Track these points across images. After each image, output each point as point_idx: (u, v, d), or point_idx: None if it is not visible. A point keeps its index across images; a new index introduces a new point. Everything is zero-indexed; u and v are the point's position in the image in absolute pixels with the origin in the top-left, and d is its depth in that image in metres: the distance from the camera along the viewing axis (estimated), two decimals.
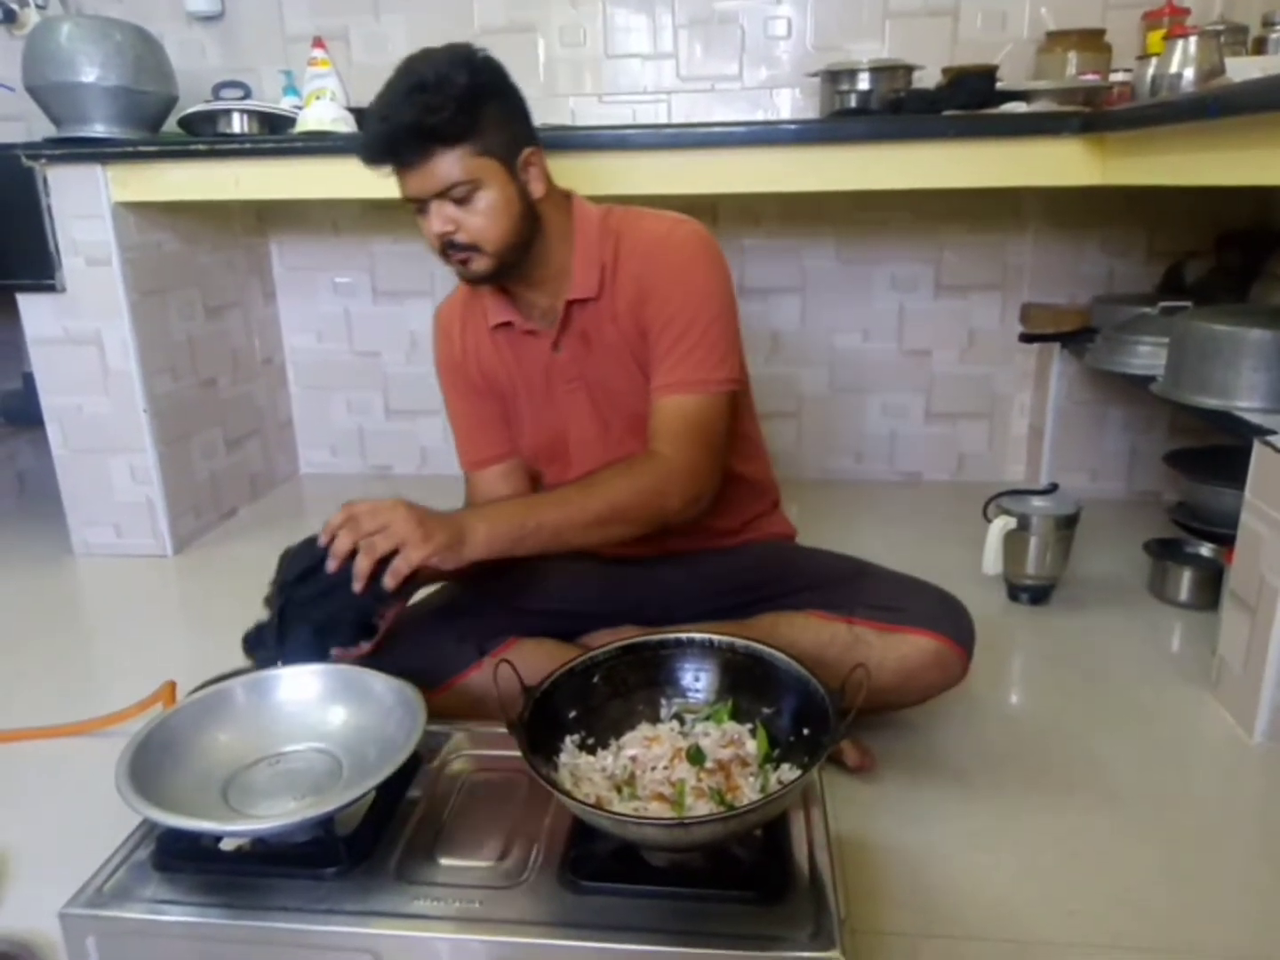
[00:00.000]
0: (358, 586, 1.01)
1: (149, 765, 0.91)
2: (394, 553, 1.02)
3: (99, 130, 1.91)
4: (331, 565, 1.02)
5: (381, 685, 1.01)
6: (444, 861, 0.90)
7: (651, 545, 1.35)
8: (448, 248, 1.17)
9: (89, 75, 1.86)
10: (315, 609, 1.04)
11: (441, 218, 1.15)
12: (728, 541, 1.38)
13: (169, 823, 0.85)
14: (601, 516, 1.14)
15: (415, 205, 1.17)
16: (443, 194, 1.13)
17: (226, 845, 0.96)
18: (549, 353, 1.29)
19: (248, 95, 2.16)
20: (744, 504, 1.40)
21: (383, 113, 1.11)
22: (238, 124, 2.02)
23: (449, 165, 1.12)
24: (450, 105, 1.09)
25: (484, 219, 1.15)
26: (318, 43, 2.02)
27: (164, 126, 2.06)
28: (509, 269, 1.21)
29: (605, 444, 1.31)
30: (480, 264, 1.18)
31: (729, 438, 1.24)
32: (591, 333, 1.27)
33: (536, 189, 1.20)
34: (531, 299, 1.28)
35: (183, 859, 0.89)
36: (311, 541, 1.07)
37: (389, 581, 1.02)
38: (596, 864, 0.87)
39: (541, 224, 1.22)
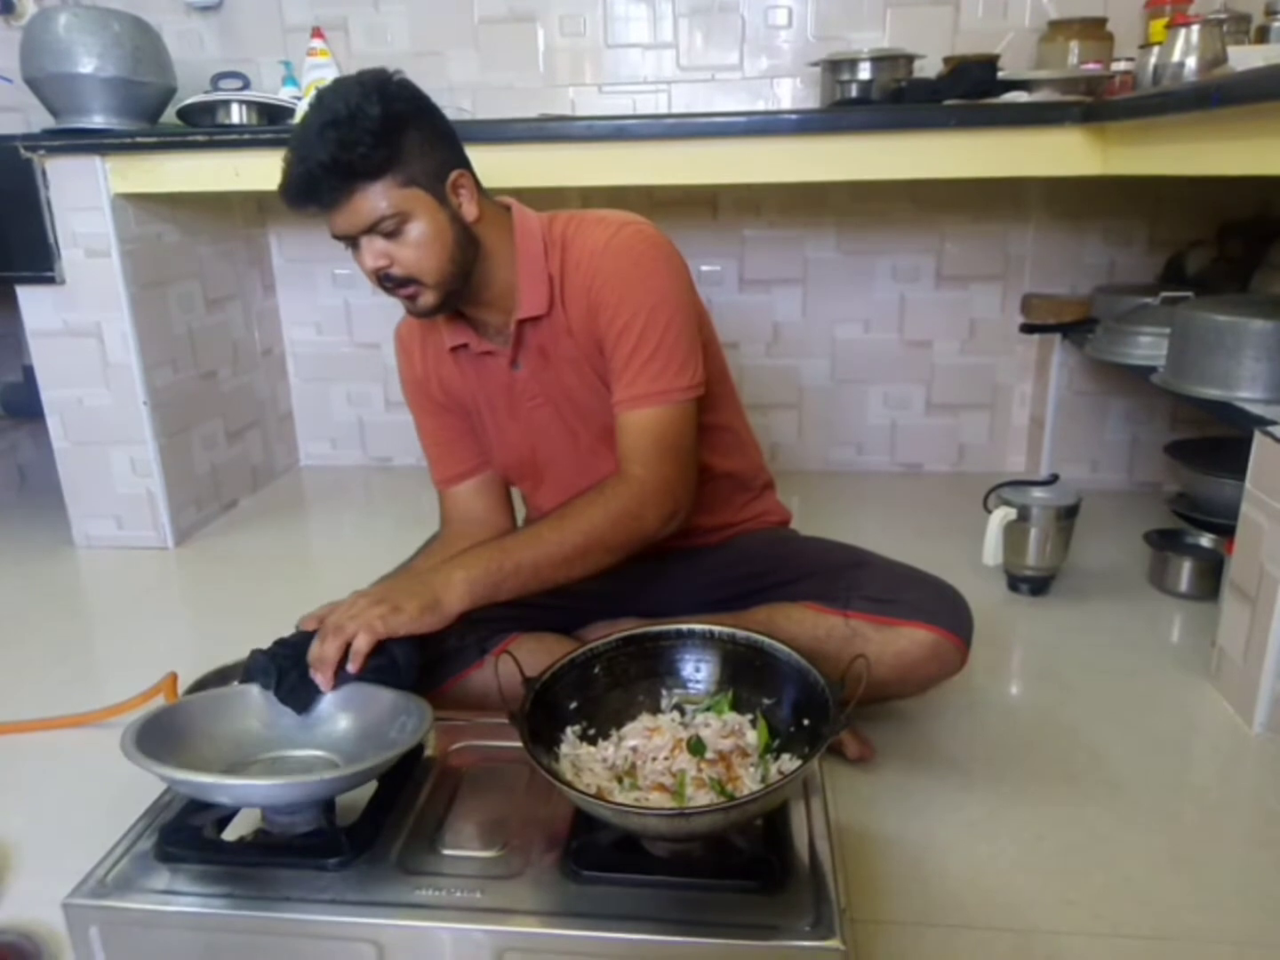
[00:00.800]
0: (324, 682, 1.01)
1: (154, 741, 0.91)
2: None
3: (97, 121, 1.91)
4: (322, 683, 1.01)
5: (389, 695, 1.01)
6: (446, 852, 0.90)
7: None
8: (384, 282, 1.13)
9: (87, 66, 1.85)
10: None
11: (373, 253, 1.11)
12: (721, 536, 1.38)
13: (172, 776, 0.86)
14: (579, 548, 1.12)
15: (346, 242, 1.13)
16: (370, 229, 1.09)
17: (229, 835, 0.97)
18: (508, 371, 1.26)
19: (247, 86, 2.15)
20: (732, 499, 1.39)
21: (299, 153, 1.06)
22: (237, 115, 2.02)
23: (373, 200, 1.07)
24: (366, 139, 1.04)
25: (417, 250, 1.11)
26: (317, 33, 2.02)
27: (163, 118, 2.05)
28: (454, 297, 1.18)
29: (576, 455, 1.29)
30: (426, 297, 1.15)
31: (698, 443, 1.21)
32: (549, 347, 1.24)
33: (469, 212, 1.15)
34: (484, 319, 1.25)
35: (185, 850, 0.90)
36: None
37: (350, 666, 1.00)
38: (597, 854, 0.87)
39: (480, 246, 1.17)
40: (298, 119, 1.12)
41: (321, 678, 1.00)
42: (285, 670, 1.02)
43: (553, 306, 1.21)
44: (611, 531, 1.14)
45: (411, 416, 1.39)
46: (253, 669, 1.04)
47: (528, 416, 1.28)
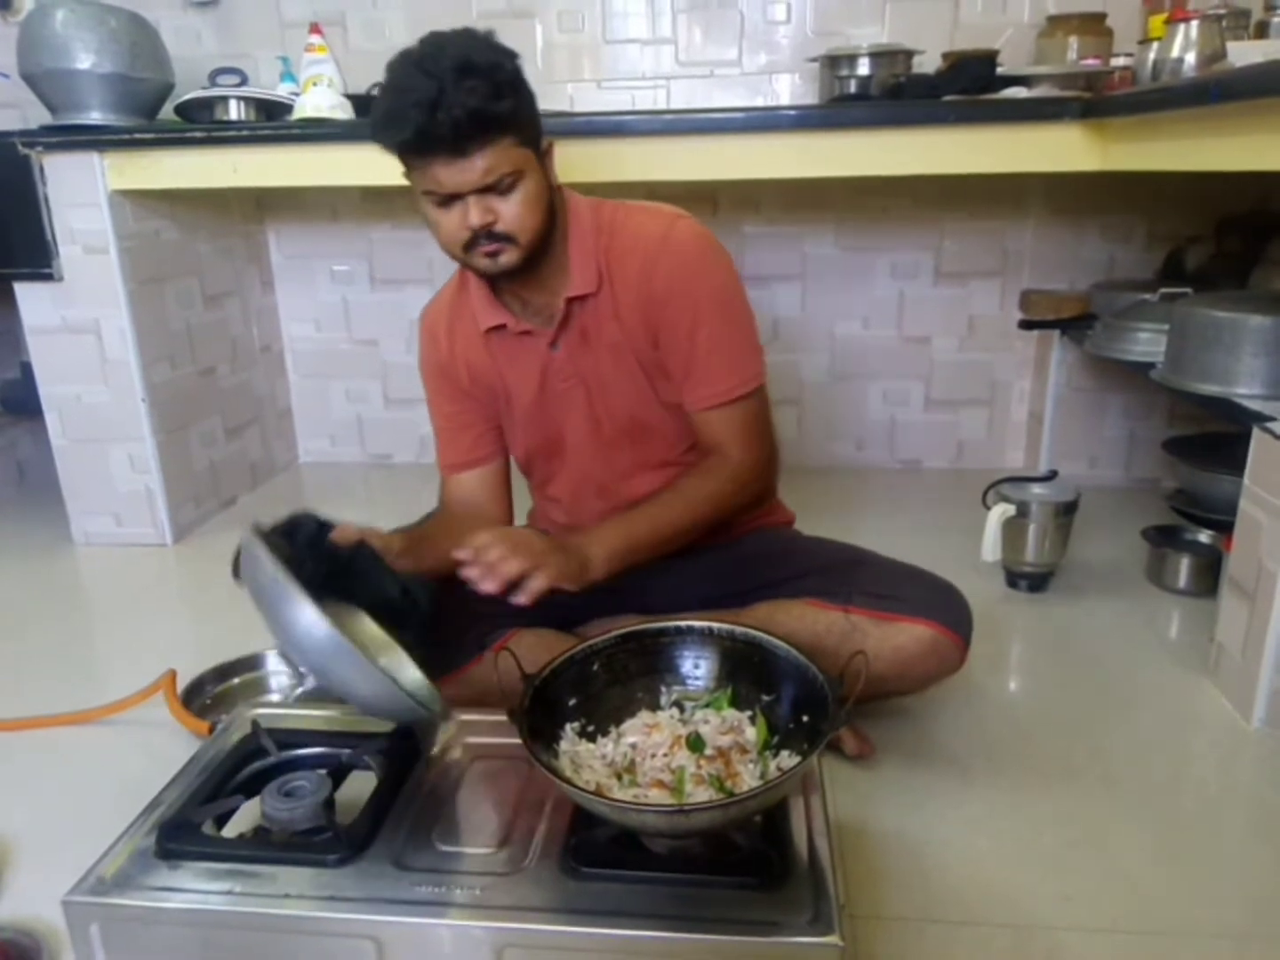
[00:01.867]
0: (490, 586, 1.04)
1: None
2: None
3: (95, 118, 1.90)
4: (489, 586, 1.04)
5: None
6: (445, 849, 0.90)
7: None
8: (481, 239, 1.12)
9: (84, 62, 1.85)
10: (356, 587, 1.06)
11: (482, 209, 1.09)
12: (726, 535, 1.38)
13: None
14: (698, 518, 1.23)
15: (437, 198, 1.10)
16: (486, 185, 1.08)
17: (229, 832, 0.97)
18: (545, 351, 1.27)
19: (244, 82, 2.15)
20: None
21: (430, 99, 1.02)
22: (235, 111, 2.01)
23: (499, 155, 1.07)
24: (507, 92, 1.05)
25: (522, 209, 1.11)
26: (315, 28, 2.01)
27: (160, 114, 2.05)
28: (532, 261, 1.17)
29: (597, 446, 1.31)
30: (510, 256, 1.14)
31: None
32: (591, 330, 1.25)
33: (555, 178, 1.17)
34: (527, 297, 1.25)
35: (185, 847, 0.90)
36: (323, 525, 1.07)
37: (524, 599, 1.05)
38: (597, 850, 0.87)
39: (555, 216, 1.19)
40: (393, 62, 1.09)
41: (491, 583, 1.03)
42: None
43: (600, 287, 1.23)
44: (720, 503, 1.25)
45: (427, 402, 1.39)
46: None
47: (558, 399, 1.29)
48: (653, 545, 1.19)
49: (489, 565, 1.04)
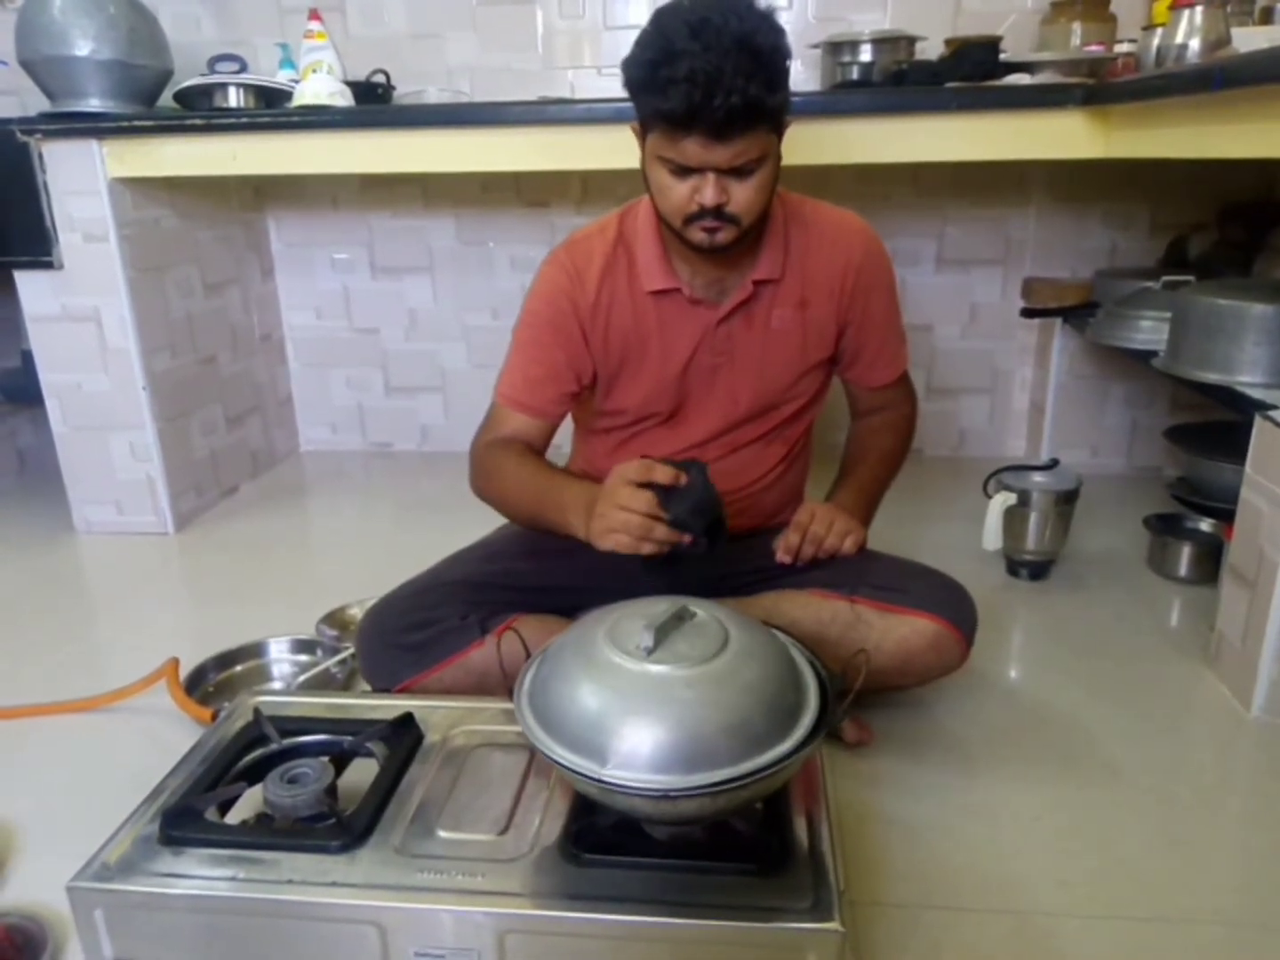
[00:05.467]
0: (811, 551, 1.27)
1: None
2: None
3: (94, 105, 1.89)
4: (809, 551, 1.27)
5: None
6: (447, 835, 0.91)
7: None
8: (707, 216, 1.10)
9: (83, 49, 1.84)
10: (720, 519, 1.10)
11: (719, 188, 1.08)
12: (760, 524, 1.38)
13: None
14: (897, 472, 1.44)
15: (675, 166, 1.08)
16: (733, 168, 1.07)
17: (232, 818, 0.97)
18: (709, 325, 1.27)
19: (244, 69, 2.13)
20: (794, 485, 1.45)
21: (707, 77, 0.98)
22: (234, 98, 2.00)
23: (754, 142, 1.05)
24: (782, 83, 1.04)
25: (756, 193, 1.11)
26: (314, 15, 2.00)
27: (159, 101, 2.04)
28: (742, 242, 1.17)
29: (724, 417, 1.33)
30: (728, 234, 1.13)
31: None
32: (758, 313, 1.27)
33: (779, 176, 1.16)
34: (701, 267, 1.23)
35: (189, 833, 0.90)
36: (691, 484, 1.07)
37: (849, 546, 1.27)
38: (598, 837, 0.88)
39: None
40: (663, 12, 1.05)
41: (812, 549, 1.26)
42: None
43: (784, 274, 1.26)
44: (904, 453, 1.46)
45: (527, 333, 1.31)
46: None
47: (702, 371, 1.30)
48: (876, 501, 1.40)
49: (816, 538, 1.25)
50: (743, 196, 1.10)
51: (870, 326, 1.33)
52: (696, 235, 1.14)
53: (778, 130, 1.11)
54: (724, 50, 0.98)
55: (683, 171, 1.09)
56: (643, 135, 1.14)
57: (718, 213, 1.10)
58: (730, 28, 1.00)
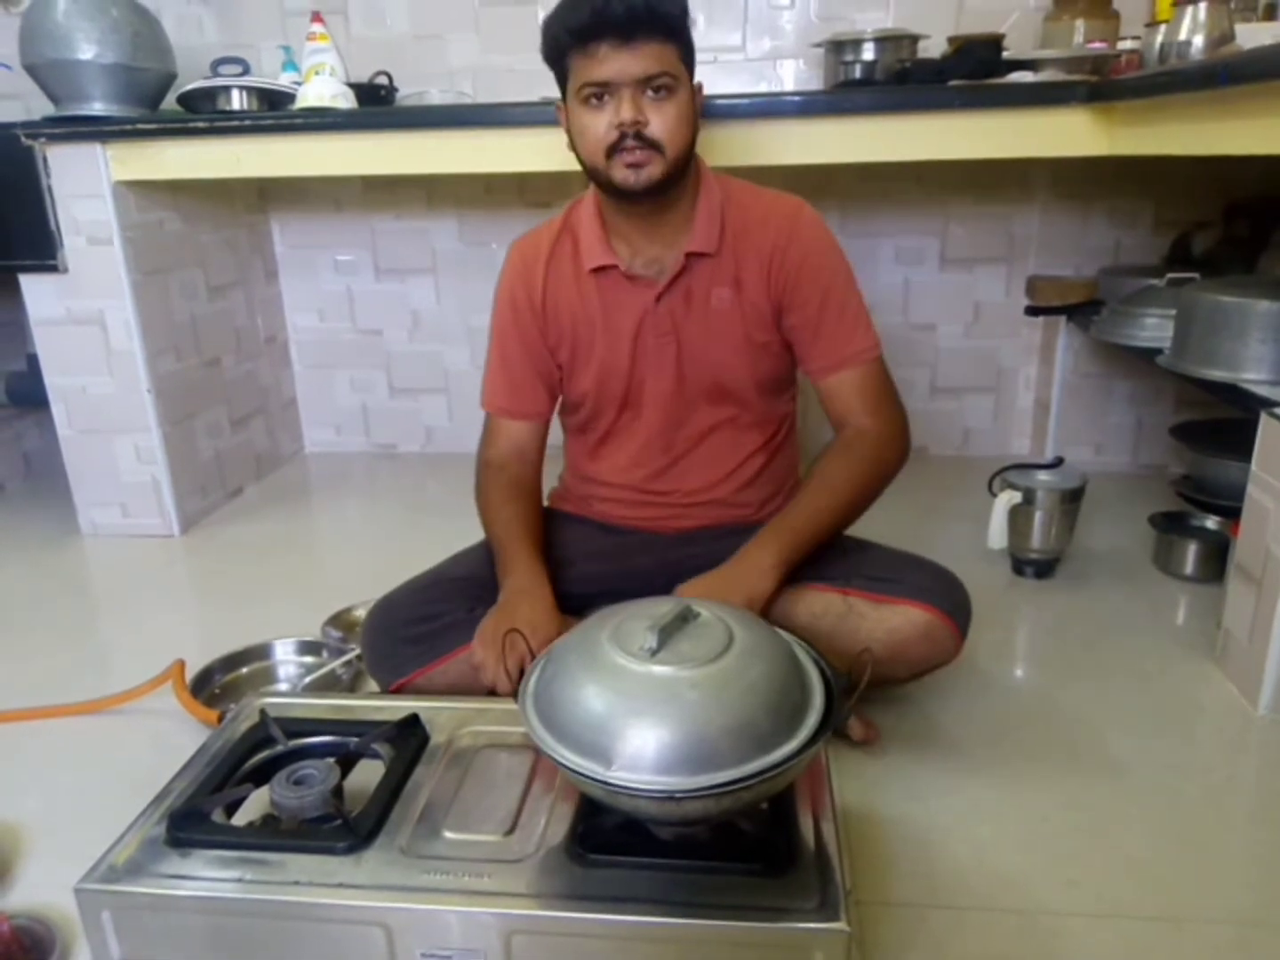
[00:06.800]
0: None
1: None
2: None
3: (97, 108, 1.90)
4: None
5: None
6: (453, 836, 0.91)
7: (672, 523, 1.38)
8: (629, 139, 1.15)
9: (86, 53, 1.84)
10: None
11: (636, 106, 1.13)
12: (750, 516, 1.38)
13: None
14: (849, 504, 1.26)
15: (592, 91, 1.15)
16: (645, 81, 1.13)
17: (238, 820, 0.97)
18: (649, 303, 1.28)
19: (246, 71, 2.14)
20: (777, 477, 1.43)
21: None
22: (237, 101, 2.01)
23: (663, 54, 1.13)
24: (683, 3, 1.15)
25: (673, 119, 1.15)
26: (316, 17, 2.00)
27: (163, 104, 2.04)
28: (670, 183, 1.20)
29: (676, 402, 1.34)
30: (655, 168, 1.16)
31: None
32: (697, 291, 1.28)
33: (698, 122, 1.22)
34: (642, 244, 1.28)
35: (195, 835, 0.90)
36: None
37: None
38: (604, 837, 0.88)
39: (692, 153, 1.23)
40: None
41: None
42: None
43: (720, 251, 1.27)
44: (867, 481, 1.27)
45: (497, 339, 1.38)
46: None
47: (649, 351, 1.31)
48: (815, 541, 1.23)
49: None
50: (660, 120, 1.15)
51: (805, 308, 1.29)
52: (621, 173, 1.17)
53: (686, 58, 1.18)
54: None
55: (600, 98, 1.15)
56: (564, 100, 1.21)
57: (639, 136, 1.14)
58: None
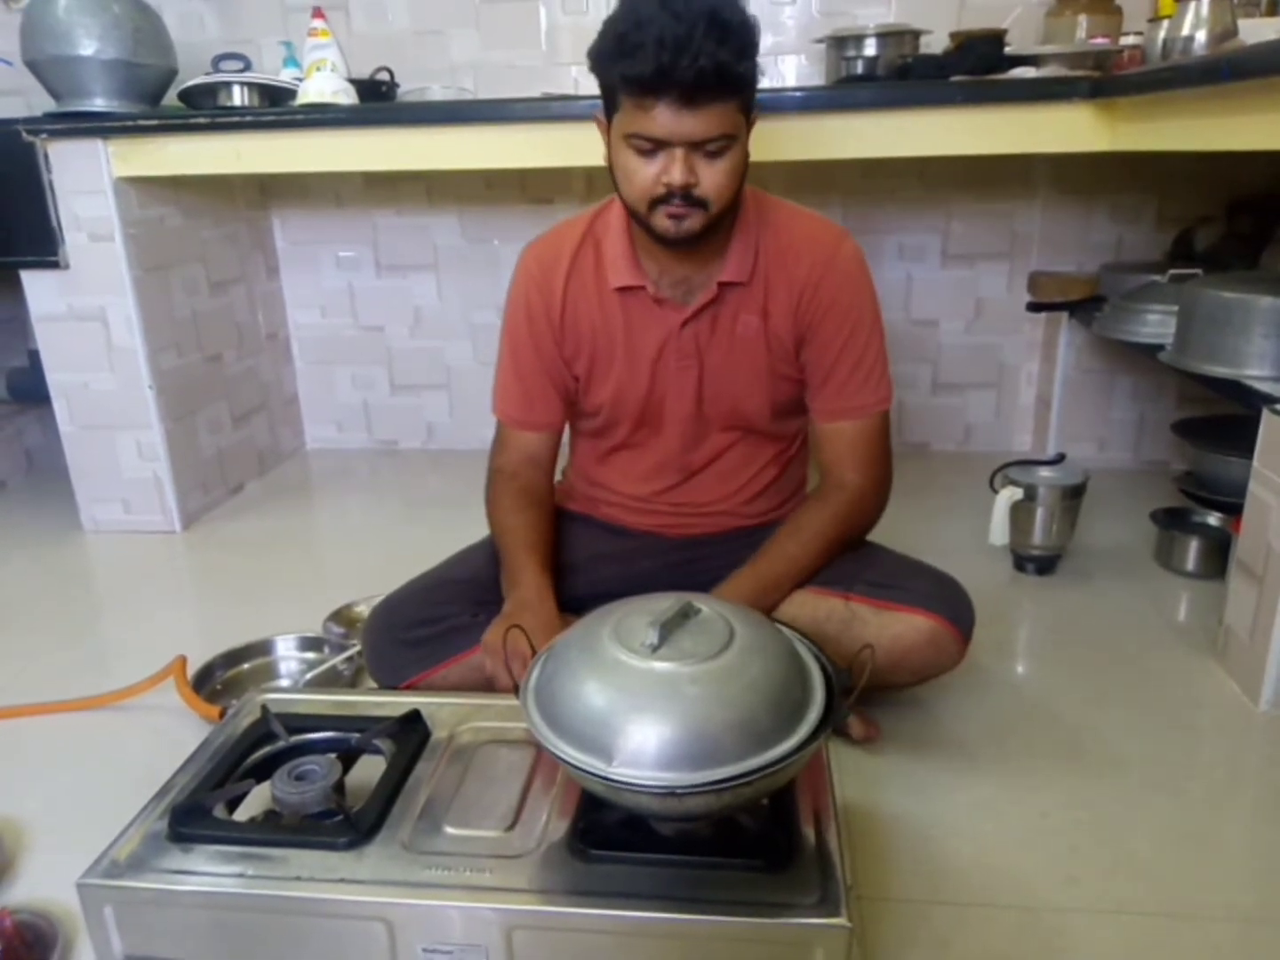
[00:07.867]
0: None
1: None
2: None
3: (99, 104, 1.90)
4: None
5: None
6: (454, 831, 0.91)
7: (681, 528, 1.38)
8: (673, 199, 1.08)
9: (87, 49, 1.84)
10: None
11: (687, 167, 1.06)
12: (758, 521, 1.38)
13: None
14: (818, 553, 1.25)
15: (642, 144, 1.06)
16: (701, 143, 1.05)
17: (240, 815, 0.98)
18: (674, 327, 1.25)
19: (248, 67, 2.14)
20: (788, 488, 1.42)
21: (677, 40, 0.98)
22: (238, 97, 2.00)
23: (724, 116, 1.04)
24: (752, 54, 1.04)
25: (724, 177, 1.08)
26: (317, 13, 2.00)
27: (164, 100, 2.04)
28: (708, 235, 1.14)
29: (697, 424, 1.31)
30: (694, 222, 1.10)
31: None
32: (724, 318, 1.24)
33: (748, 164, 1.14)
34: (671, 267, 1.22)
35: (197, 830, 0.91)
36: None
37: None
38: (605, 833, 0.88)
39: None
40: (621, 5, 1.05)
41: None
42: None
43: (752, 280, 1.23)
44: (838, 534, 1.27)
45: (509, 347, 1.33)
46: None
47: (670, 374, 1.28)
48: (783, 590, 1.23)
49: None
50: (711, 179, 1.08)
51: (823, 350, 1.25)
52: (662, 222, 1.11)
53: (746, 112, 1.10)
54: (693, 18, 0.99)
55: (650, 150, 1.07)
56: (608, 125, 1.13)
57: (685, 195, 1.08)
58: (697, 1, 1.01)
